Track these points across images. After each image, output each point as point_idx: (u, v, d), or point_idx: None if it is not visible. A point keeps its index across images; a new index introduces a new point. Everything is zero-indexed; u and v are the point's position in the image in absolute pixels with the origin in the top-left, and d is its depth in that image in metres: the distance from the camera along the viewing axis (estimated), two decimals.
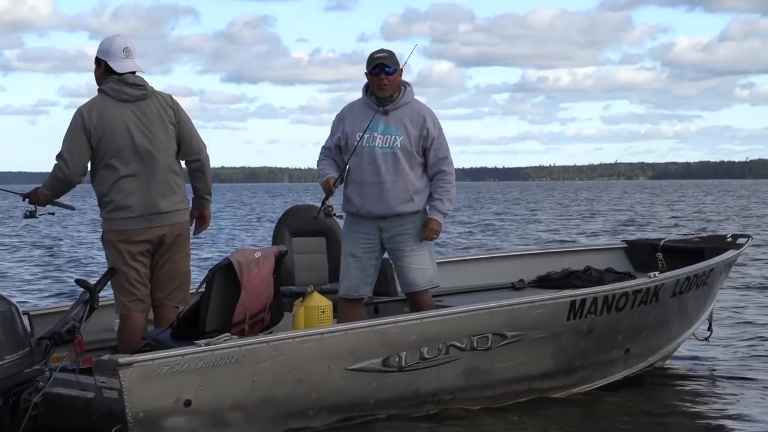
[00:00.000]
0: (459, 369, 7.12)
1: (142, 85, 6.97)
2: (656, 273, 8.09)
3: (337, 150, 7.49)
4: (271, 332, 6.69)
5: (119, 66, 6.92)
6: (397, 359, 6.84)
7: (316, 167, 7.64)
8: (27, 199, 7.16)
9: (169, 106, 7.02)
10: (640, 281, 7.99)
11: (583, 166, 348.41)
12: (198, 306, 6.61)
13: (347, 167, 7.31)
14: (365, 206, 7.34)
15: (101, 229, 7.03)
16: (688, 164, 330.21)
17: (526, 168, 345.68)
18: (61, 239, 28.76)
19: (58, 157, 6.92)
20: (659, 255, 9.54)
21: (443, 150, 7.43)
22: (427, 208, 7.43)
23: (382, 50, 7.43)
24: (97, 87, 7.02)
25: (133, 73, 6.95)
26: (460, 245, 25.34)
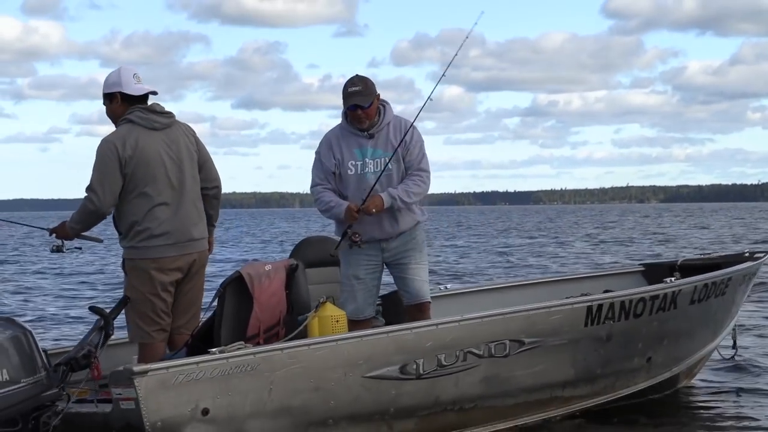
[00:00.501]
0: (478, 376, 7.07)
1: (170, 113, 7.06)
2: (672, 279, 8.07)
3: (331, 179, 7.44)
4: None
5: (136, 90, 6.96)
6: (414, 366, 6.80)
7: (316, 206, 7.52)
8: (53, 234, 7.16)
9: (190, 133, 7.14)
10: (657, 287, 7.96)
11: (594, 189, 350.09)
12: (211, 322, 6.62)
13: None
14: (366, 233, 7.36)
15: (124, 258, 6.95)
16: (699, 187, 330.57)
17: (537, 192, 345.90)
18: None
19: (89, 189, 6.86)
20: (677, 275, 9.48)
21: (424, 161, 7.48)
22: (386, 191, 7.37)
23: (354, 83, 7.35)
24: (114, 122, 7.02)
25: (155, 93, 7.04)
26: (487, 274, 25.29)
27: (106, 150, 6.85)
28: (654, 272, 9.71)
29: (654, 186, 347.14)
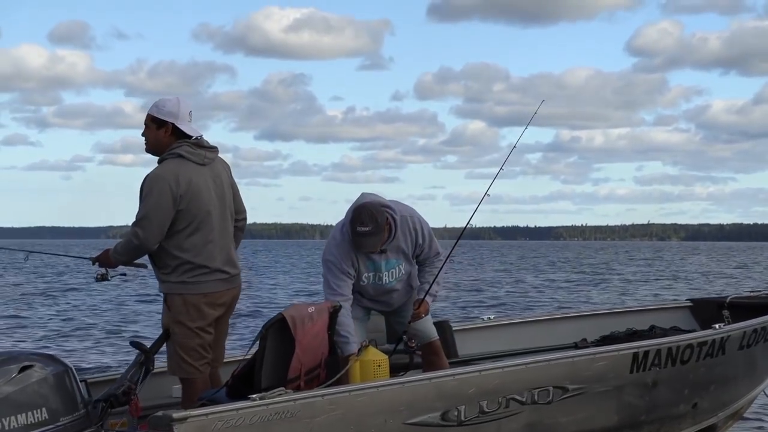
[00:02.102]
0: (521, 423, 6.97)
1: (216, 148, 7.00)
2: (721, 325, 7.92)
3: (349, 283, 7.22)
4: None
5: (189, 129, 6.88)
6: (456, 413, 6.71)
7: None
8: (97, 263, 7.09)
9: (227, 168, 7.09)
10: (706, 333, 7.81)
11: (615, 226, 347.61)
12: (253, 363, 6.56)
13: None
14: (374, 307, 7.51)
15: (169, 293, 6.84)
16: (721, 226, 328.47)
17: (558, 227, 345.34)
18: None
19: (137, 224, 6.74)
20: (725, 312, 9.34)
21: (435, 245, 7.44)
22: (420, 289, 7.44)
23: (363, 221, 7.03)
24: (153, 148, 6.92)
25: (200, 137, 6.95)
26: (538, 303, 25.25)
27: (159, 185, 6.72)
28: (702, 309, 9.57)
29: (675, 224, 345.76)
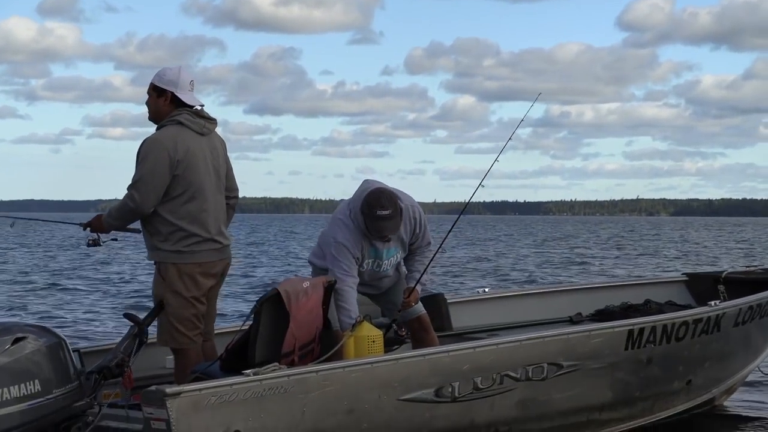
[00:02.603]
0: (514, 399, 6.96)
1: (215, 120, 6.95)
2: (717, 302, 7.90)
3: (356, 268, 7.17)
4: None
5: (189, 98, 6.83)
6: (450, 389, 6.70)
7: (337, 298, 7.03)
8: (88, 228, 7.02)
9: (223, 143, 7.04)
10: (701, 310, 7.80)
11: (604, 201, 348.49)
12: (246, 337, 6.52)
13: None
14: (363, 291, 7.38)
15: (163, 262, 6.75)
16: (710, 201, 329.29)
17: (547, 203, 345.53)
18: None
19: (133, 187, 6.68)
20: (721, 287, 9.34)
21: (428, 235, 7.40)
22: (409, 276, 7.39)
23: (383, 205, 6.94)
24: (154, 116, 6.87)
25: (202, 106, 6.92)
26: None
27: (156, 149, 6.67)
28: (697, 283, 9.56)
29: (664, 199, 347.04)
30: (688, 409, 8.17)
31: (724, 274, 9.45)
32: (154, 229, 6.78)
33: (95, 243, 7.08)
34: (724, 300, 8.96)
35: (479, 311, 8.83)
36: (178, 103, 6.82)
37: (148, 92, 6.91)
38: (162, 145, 6.67)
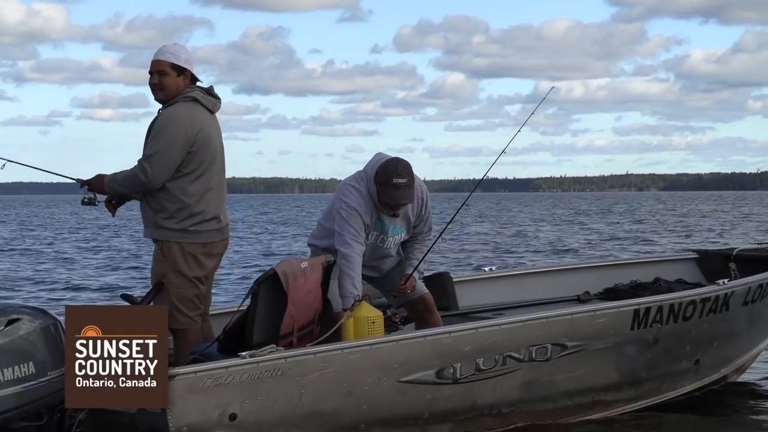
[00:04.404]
0: (517, 381, 6.87)
1: (221, 99, 6.89)
2: (726, 280, 7.77)
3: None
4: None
5: (198, 77, 6.82)
6: (451, 371, 6.61)
7: (341, 263, 6.87)
8: (87, 186, 6.88)
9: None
10: (708, 289, 7.67)
11: (593, 177, 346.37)
12: (244, 319, 6.44)
13: None
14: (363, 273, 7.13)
15: (166, 240, 6.62)
16: (699, 176, 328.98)
17: (537, 179, 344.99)
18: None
19: (146, 160, 6.54)
20: (732, 265, 9.18)
21: (431, 220, 7.29)
22: (408, 264, 7.21)
23: (400, 173, 6.83)
24: (171, 95, 6.70)
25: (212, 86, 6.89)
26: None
27: (174, 125, 6.56)
28: (708, 261, 9.40)
29: (653, 174, 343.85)
30: (698, 389, 8.05)
31: (735, 251, 9.28)
32: (159, 205, 6.66)
33: (90, 202, 6.94)
34: (735, 278, 8.82)
35: (485, 290, 8.71)
36: (193, 81, 6.79)
37: (161, 71, 6.70)
38: (180, 120, 6.58)
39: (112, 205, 6.90)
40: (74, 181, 7.03)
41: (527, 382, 6.91)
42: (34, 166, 8.11)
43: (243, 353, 6.02)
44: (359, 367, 6.33)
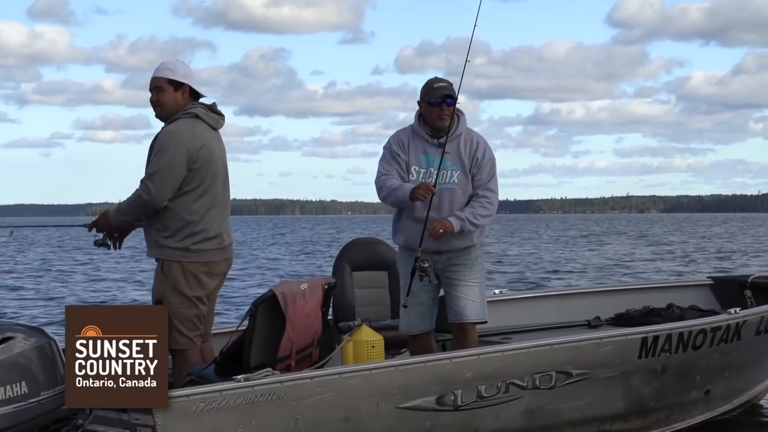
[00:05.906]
0: (520, 409, 6.72)
1: (224, 116, 6.79)
2: (737, 309, 7.60)
3: (400, 173, 7.06)
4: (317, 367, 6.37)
5: (201, 91, 6.71)
6: (452, 397, 6.47)
7: (379, 194, 7.11)
8: (94, 229, 6.80)
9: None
10: (720, 318, 7.51)
11: (594, 198, 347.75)
12: (242, 340, 6.33)
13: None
14: (419, 242, 6.98)
15: (167, 259, 6.53)
16: (700, 197, 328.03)
17: (538, 201, 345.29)
18: None
19: (149, 179, 6.46)
20: (748, 292, 9.02)
21: (493, 181, 7.11)
22: (453, 214, 6.98)
23: (440, 80, 7.05)
24: (171, 112, 6.62)
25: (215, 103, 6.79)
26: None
27: (176, 142, 6.47)
28: (723, 287, 9.24)
29: (654, 196, 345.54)
30: (707, 420, 7.88)
31: (750, 278, 9.12)
32: (161, 224, 6.58)
33: (103, 243, 6.87)
34: (751, 305, 8.66)
35: (493, 314, 8.53)
36: (194, 96, 6.68)
37: (158, 87, 6.63)
38: (181, 137, 6.48)
39: (115, 238, 6.82)
40: (83, 226, 6.97)
41: (530, 410, 6.76)
42: (41, 224, 8.23)
43: (238, 377, 5.91)
44: (357, 393, 6.20)
